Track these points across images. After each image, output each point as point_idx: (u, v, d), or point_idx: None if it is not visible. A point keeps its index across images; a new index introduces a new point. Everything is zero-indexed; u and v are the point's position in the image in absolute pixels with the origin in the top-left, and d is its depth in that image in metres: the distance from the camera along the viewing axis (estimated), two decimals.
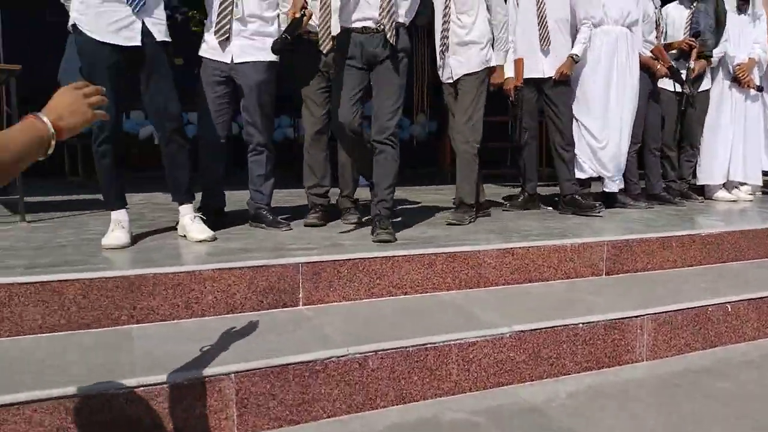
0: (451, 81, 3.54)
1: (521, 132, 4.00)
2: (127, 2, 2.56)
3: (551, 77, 3.81)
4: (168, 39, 2.72)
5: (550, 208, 4.15)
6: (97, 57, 2.54)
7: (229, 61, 3.05)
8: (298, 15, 2.69)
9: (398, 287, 2.55)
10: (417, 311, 2.36)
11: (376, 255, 2.52)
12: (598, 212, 3.77)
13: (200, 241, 2.75)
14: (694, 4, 4.56)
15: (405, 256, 2.55)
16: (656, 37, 4.39)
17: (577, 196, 3.91)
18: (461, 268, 2.64)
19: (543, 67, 3.82)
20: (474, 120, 3.43)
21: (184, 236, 2.84)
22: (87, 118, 1.12)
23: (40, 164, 1.15)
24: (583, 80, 3.96)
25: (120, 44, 2.57)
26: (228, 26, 3.01)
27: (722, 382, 2.22)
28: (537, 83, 3.88)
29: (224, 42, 3.03)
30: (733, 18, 4.64)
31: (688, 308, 2.52)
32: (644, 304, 2.49)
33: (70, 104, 1.10)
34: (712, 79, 4.76)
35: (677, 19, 4.62)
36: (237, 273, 2.31)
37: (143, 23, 2.61)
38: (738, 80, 4.67)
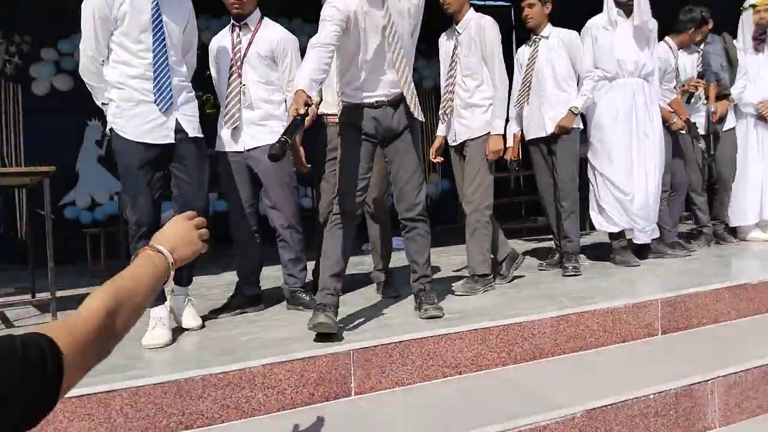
0: (455, 144, 3.52)
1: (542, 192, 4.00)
2: (156, 102, 2.58)
3: (553, 132, 3.78)
4: (200, 135, 2.73)
5: (583, 255, 4.06)
6: (133, 156, 2.55)
7: (242, 150, 3.06)
8: (301, 111, 2.24)
9: (452, 366, 2.44)
10: (478, 393, 2.24)
11: (428, 334, 2.42)
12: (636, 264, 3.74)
13: (188, 329, 2.76)
14: (701, 47, 4.59)
15: (457, 332, 2.45)
16: (675, 87, 4.39)
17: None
18: (516, 340, 2.54)
19: (545, 125, 3.79)
20: (484, 185, 3.33)
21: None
22: (197, 249, 1.15)
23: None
24: (603, 134, 3.91)
25: (153, 143, 2.58)
26: (237, 114, 3.04)
27: None
28: (544, 142, 3.85)
29: (235, 131, 3.04)
30: (750, 57, 4.66)
31: (756, 366, 2.39)
32: (710, 365, 2.37)
33: (183, 235, 1.13)
34: (736, 117, 4.74)
35: (687, 65, 4.64)
36: (287, 366, 2.22)
37: (176, 120, 2.63)
38: (763, 117, 4.64)
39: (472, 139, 3.38)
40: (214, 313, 3.06)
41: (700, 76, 4.52)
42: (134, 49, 2.57)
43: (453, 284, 3.41)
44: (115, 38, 2.57)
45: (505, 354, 2.52)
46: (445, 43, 3.55)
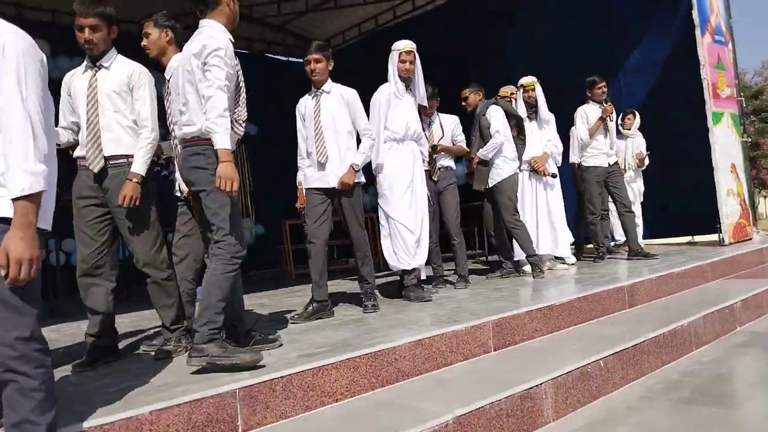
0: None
1: None
2: None
3: (334, 187, 3.93)
4: None
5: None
6: None
7: None
8: None
9: (329, 395, 2.60)
10: (359, 415, 2.44)
11: (307, 367, 2.56)
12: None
13: None
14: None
15: (333, 363, 2.63)
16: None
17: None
18: (382, 365, 2.79)
19: (327, 179, 3.95)
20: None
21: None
22: None
23: None
24: (393, 185, 4.36)
25: None
26: None
27: (622, 428, 2.63)
28: (327, 193, 4.00)
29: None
30: (526, 124, 5.59)
31: (574, 369, 2.94)
32: (539, 372, 2.85)
33: None
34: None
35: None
36: (175, 411, 2.20)
37: None
38: (535, 170, 5.59)
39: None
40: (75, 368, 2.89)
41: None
42: None
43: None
44: None
45: (374, 379, 2.76)
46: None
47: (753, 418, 2.67)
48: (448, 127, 5.30)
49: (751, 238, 7.04)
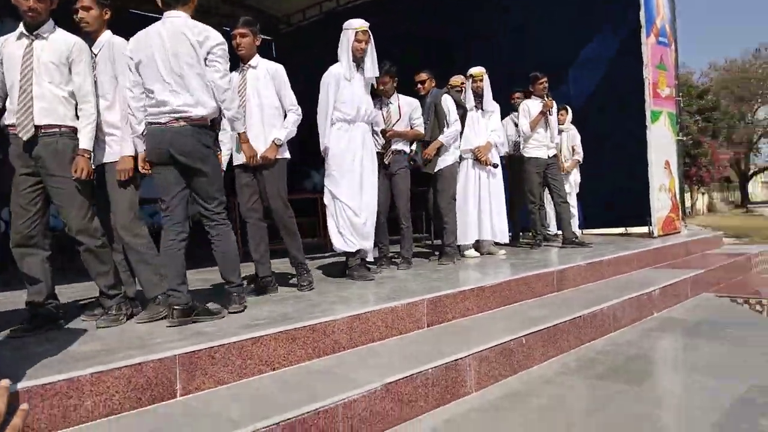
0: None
1: None
2: None
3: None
4: None
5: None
6: None
7: None
8: None
9: (267, 364, 2.75)
10: (294, 382, 2.60)
11: (246, 337, 2.70)
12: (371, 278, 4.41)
13: None
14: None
15: (271, 334, 2.78)
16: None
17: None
18: (320, 337, 2.96)
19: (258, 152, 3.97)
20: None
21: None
22: None
23: None
24: (342, 167, 4.46)
25: None
26: None
27: (536, 399, 2.88)
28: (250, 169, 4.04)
29: None
30: (471, 114, 5.79)
31: (497, 344, 3.17)
32: (467, 346, 3.07)
33: None
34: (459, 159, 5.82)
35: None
36: (115, 374, 2.31)
37: None
38: (478, 159, 5.80)
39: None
40: (14, 333, 2.94)
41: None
42: None
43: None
44: None
45: (311, 350, 2.92)
46: None
47: (652, 392, 2.96)
48: (406, 108, 5.21)
49: (679, 231, 7.49)
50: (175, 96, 3.13)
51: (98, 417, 2.25)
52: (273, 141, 3.96)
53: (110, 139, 3.31)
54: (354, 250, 4.56)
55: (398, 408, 2.60)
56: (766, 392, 2.84)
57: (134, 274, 3.41)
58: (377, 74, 4.62)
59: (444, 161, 5.46)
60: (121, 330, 3.07)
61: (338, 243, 4.56)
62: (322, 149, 4.51)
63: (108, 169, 3.30)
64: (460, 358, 2.93)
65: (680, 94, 8.32)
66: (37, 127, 3.01)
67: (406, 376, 2.65)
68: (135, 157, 3.29)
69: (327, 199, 4.58)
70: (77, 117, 3.14)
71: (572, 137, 7.22)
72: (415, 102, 5.33)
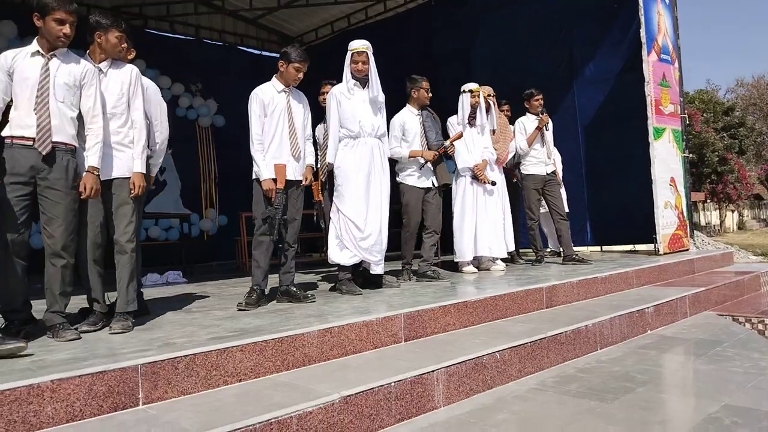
0: None
1: None
2: None
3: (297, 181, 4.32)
4: None
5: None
6: None
7: None
8: None
9: (233, 375, 2.80)
10: (255, 394, 2.64)
11: (212, 348, 2.75)
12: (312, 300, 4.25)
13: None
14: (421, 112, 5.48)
15: (238, 345, 2.83)
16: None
17: (291, 287, 4.36)
18: (288, 350, 2.99)
19: (296, 173, 4.30)
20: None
21: None
22: None
23: None
24: (348, 182, 4.56)
25: None
26: None
27: (501, 414, 2.86)
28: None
29: None
30: (466, 130, 5.77)
31: (469, 359, 3.16)
32: (437, 360, 3.08)
33: None
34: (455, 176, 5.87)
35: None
36: (76, 381, 2.38)
37: None
38: (476, 177, 5.79)
39: None
40: None
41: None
42: None
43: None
44: None
45: (279, 362, 2.96)
46: None
47: (622, 410, 2.91)
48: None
49: (687, 249, 7.37)
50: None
51: (59, 423, 2.32)
52: (309, 166, 4.42)
53: (123, 155, 3.51)
54: (351, 264, 4.61)
55: (357, 421, 2.61)
56: (736, 412, 2.79)
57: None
58: (378, 94, 4.67)
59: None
60: (97, 338, 3.15)
61: (333, 255, 4.62)
62: (327, 165, 4.62)
63: (120, 183, 3.49)
64: (427, 372, 2.93)
65: (704, 110, 8.25)
66: (52, 143, 3.20)
67: (367, 389, 2.67)
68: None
69: (332, 212, 4.68)
70: (78, 137, 3.33)
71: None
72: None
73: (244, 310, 3.97)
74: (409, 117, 5.37)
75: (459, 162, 5.75)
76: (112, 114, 3.48)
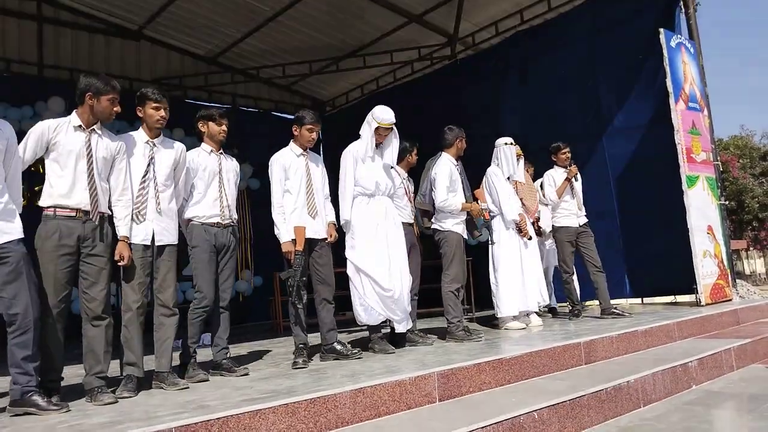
0: None
1: None
2: None
3: (322, 239, 4.45)
4: None
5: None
6: None
7: None
8: None
9: None
10: None
11: (244, 410, 2.76)
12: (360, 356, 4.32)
13: None
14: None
15: (270, 407, 2.83)
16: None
17: (337, 345, 4.40)
18: (321, 412, 2.97)
19: (316, 229, 4.42)
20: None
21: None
22: None
23: None
24: (366, 240, 4.59)
25: None
26: None
27: None
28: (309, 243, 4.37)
29: None
30: (504, 185, 5.79)
31: (505, 419, 3.08)
32: (472, 421, 3.01)
33: None
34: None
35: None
36: None
37: None
38: (520, 229, 5.75)
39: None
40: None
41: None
42: None
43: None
44: None
45: (312, 424, 2.94)
46: None
47: None
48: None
49: (730, 299, 7.12)
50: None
51: None
52: (331, 223, 4.55)
53: (173, 224, 3.79)
54: (378, 323, 4.59)
55: None
56: None
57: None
58: (393, 164, 4.88)
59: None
60: (133, 402, 3.19)
61: (362, 316, 4.62)
62: (342, 223, 4.67)
63: (169, 249, 3.75)
64: None
65: (740, 156, 8.14)
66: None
67: None
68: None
69: (351, 272, 4.68)
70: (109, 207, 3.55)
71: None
72: None
73: (302, 368, 4.05)
74: (453, 167, 5.37)
75: (507, 214, 5.69)
76: (165, 186, 3.77)
